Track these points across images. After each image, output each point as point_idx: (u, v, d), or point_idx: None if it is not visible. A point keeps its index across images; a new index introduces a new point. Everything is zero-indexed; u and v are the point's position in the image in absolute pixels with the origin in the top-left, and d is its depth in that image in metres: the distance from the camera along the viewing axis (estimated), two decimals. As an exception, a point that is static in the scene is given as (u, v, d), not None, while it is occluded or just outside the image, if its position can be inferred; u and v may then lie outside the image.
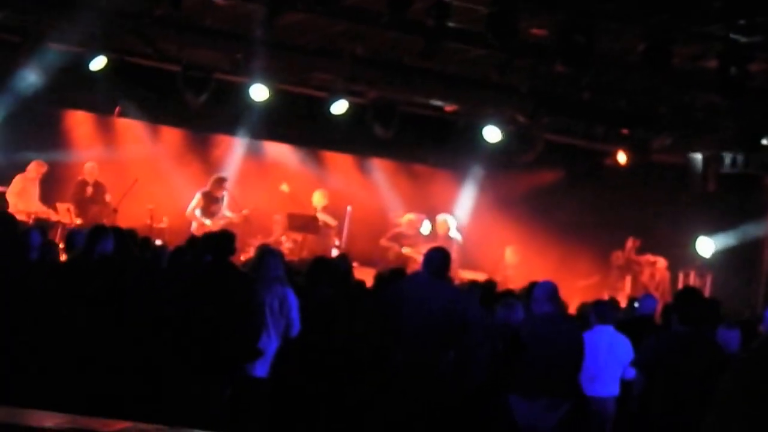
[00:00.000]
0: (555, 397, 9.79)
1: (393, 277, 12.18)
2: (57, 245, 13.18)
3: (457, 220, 19.98)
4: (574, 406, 9.98)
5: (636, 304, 13.25)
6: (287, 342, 9.94)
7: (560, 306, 10.80)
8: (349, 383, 10.19)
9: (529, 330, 9.86)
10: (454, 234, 19.31)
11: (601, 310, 11.08)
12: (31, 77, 17.11)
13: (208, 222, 18.11)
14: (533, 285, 11.91)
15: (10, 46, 16.90)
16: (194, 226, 18.14)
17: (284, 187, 19.40)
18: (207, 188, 18.60)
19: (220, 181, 18.68)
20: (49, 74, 17.05)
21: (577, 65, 14.68)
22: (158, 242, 15.55)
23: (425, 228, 19.71)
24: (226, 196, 18.71)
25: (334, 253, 17.81)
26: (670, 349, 9.47)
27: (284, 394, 9.85)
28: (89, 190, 18.48)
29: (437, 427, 9.59)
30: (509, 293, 12.42)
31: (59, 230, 17.28)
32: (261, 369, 9.76)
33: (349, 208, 19.29)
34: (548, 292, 10.10)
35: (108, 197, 18.45)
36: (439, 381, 9.66)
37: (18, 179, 17.84)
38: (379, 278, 12.85)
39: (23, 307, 9.01)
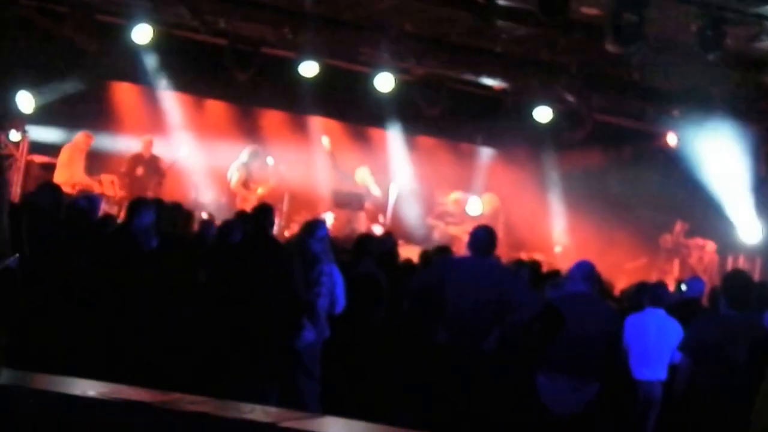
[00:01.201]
0: (581, 378, 9.62)
1: (438, 255, 12.07)
2: (112, 217, 13.23)
3: (503, 199, 19.86)
4: (606, 389, 9.81)
5: (683, 287, 13.07)
6: (331, 319, 9.88)
7: (597, 286, 10.61)
8: (393, 361, 10.13)
9: (561, 309, 9.71)
10: (498, 213, 19.20)
11: (654, 293, 10.90)
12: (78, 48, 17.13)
13: (260, 191, 18.16)
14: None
15: (58, 17, 16.89)
16: (238, 199, 18.17)
17: (325, 142, 19.28)
18: (244, 160, 18.63)
19: (255, 153, 18.71)
20: (96, 46, 17.06)
21: (627, 44, 14.47)
22: (204, 215, 15.55)
23: (472, 207, 19.60)
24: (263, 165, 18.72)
25: (379, 230, 17.73)
26: (717, 333, 9.33)
27: (328, 371, 9.80)
28: (144, 163, 18.48)
29: (480, 406, 9.50)
30: (557, 273, 12.30)
31: (103, 202, 17.31)
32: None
33: (394, 185, 19.21)
34: (584, 271, 9.96)
35: (161, 171, 18.45)
36: (483, 360, 9.56)
37: (65, 149, 17.89)
38: (423, 256, 12.75)
39: (72, 278, 9.01)
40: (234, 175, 18.56)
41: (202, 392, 4.42)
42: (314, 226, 10.23)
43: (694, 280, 12.86)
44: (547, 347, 9.55)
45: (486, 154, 21.34)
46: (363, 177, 19.28)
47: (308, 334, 9.52)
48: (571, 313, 9.58)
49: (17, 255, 1.40)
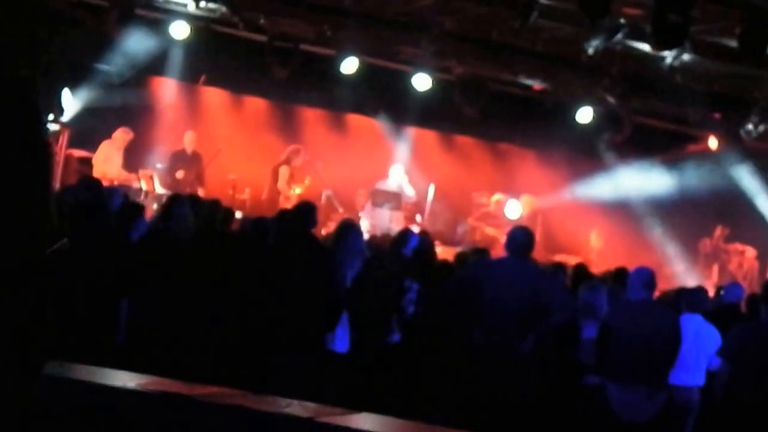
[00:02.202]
0: (652, 386, 9.53)
1: (475, 256, 12.00)
2: (141, 208, 13.22)
3: (542, 201, 19.76)
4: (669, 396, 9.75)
5: (722, 293, 12.95)
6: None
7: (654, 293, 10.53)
8: (428, 362, 10.08)
9: (624, 317, 9.60)
10: (537, 215, 19.12)
11: (692, 298, 10.79)
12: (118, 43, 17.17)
13: (297, 191, 18.17)
14: (621, 270, 11.70)
15: (99, 12, 16.93)
16: (282, 198, 18.18)
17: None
18: (288, 159, 18.66)
19: (296, 152, 18.73)
20: (136, 41, 17.08)
21: (670, 46, 14.36)
22: (238, 214, 15.51)
23: (510, 209, 19.52)
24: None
25: (416, 230, 17.66)
26: (757, 340, 9.26)
27: (363, 369, 9.77)
28: (184, 160, 18.49)
29: (515, 410, 9.43)
30: (591, 276, 12.20)
31: (141, 197, 17.34)
32: (341, 344, 9.65)
33: (432, 185, 19.15)
34: (645, 278, 9.85)
35: (201, 168, 18.46)
36: (518, 363, 9.49)
37: (104, 146, 17.91)
38: (460, 257, 12.68)
39: (107, 271, 9.01)
40: (281, 174, 18.58)
41: (238, 387, 4.39)
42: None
43: (733, 286, 12.74)
44: (615, 357, 9.42)
45: (525, 155, 21.23)
46: (397, 176, 19.21)
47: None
48: (639, 321, 9.47)
49: (66, 240, 1.39)
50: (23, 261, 1.43)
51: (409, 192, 19.09)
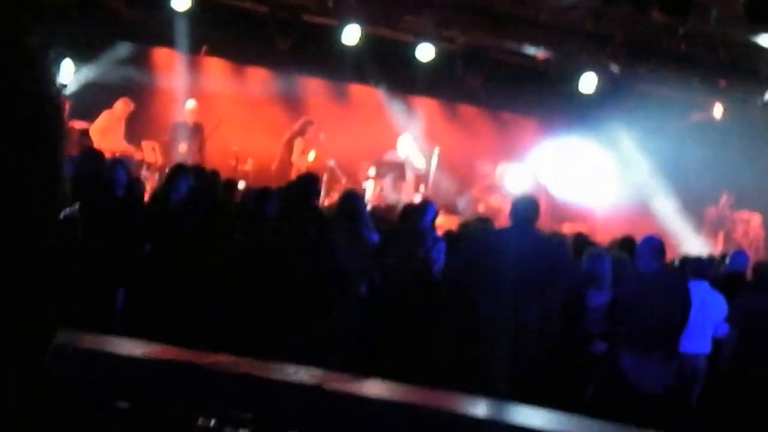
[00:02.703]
0: (665, 355, 9.53)
1: (479, 226, 11.96)
2: (142, 183, 13.19)
3: (547, 171, 19.72)
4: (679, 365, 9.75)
5: (727, 261, 12.90)
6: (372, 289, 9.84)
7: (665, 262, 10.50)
8: (434, 332, 10.06)
9: (636, 290, 9.58)
10: (543, 184, 19.08)
11: (697, 265, 10.76)
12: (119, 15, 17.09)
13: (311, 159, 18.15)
14: (627, 238, 11.66)
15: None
16: (294, 170, 18.13)
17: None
18: (299, 131, 18.60)
19: (309, 123, 18.66)
20: (136, 11, 17.01)
21: (675, 14, 14.26)
22: (241, 184, 15.46)
23: (515, 178, 19.48)
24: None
25: (418, 199, 17.62)
26: (764, 307, 9.22)
27: (369, 340, 9.74)
28: (187, 130, 18.40)
29: (523, 380, 9.40)
30: (593, 244, 12.15)
31: (144, 169, 17.30)
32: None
33: (435, 154, 19.09)
34: (655, 247, 9.81)
35: (203, 138, 18.40)
36: (525, 332, 9.45)
37: (104, 116, 17.79)
38: (463, 227, 12.63)
39: (110, 244, 8.97)
40: (296, 146, 18.53)
41: (245, 354, 4.35)
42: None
43: (737, 254, 12.68)
44: (628, 326, 9.41)
45: (529, 124, 21.16)
46: (406, 145, 19.15)
47: None
48: (649, 293, 9.44)
49: (77, 204, 1.34)
50: (25, 257, 1.37)
51: (419, 163, 19.02)
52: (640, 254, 9.87)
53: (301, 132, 18.72)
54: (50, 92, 1.48)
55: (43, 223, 1.38)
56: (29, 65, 1.47)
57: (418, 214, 10.86)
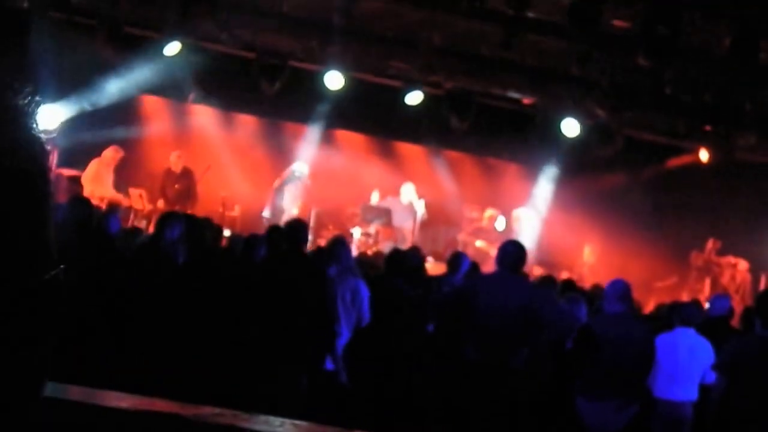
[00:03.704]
0: (624, 398, 9.56)
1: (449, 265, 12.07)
2: (136, 231, 13.18)
3: (534, 216, 19.72)
4: (642, 408, 9.75)
5: (707, 305, 12.89)
6: (357, 333, 9.81)
7: (632, 306, 10.54)
8: (420, 377, 10.03)
9: (598, 329, 9.61)
10: (529, 229, 19.08)
11: (685, 312, 10.76)
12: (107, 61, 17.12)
13: (293, 211, 18.08)
14: (597, 286, 11.73)
15: (86, 30, 16.89)
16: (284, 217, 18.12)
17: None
18: (288, 178, 18.60)
19: (296, 171, 18.70)
20: (124, 58, 17.05)
21: (660, 58, 14.35)
22: (227, 232, 15.44)
23: (500, 223, 19.49)
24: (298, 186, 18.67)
25: (406, 245, 17.62)
26: (752, 354, 9.21)
27: (355, 386, 9.70)
28: (174, 179, 18.36)
29: (508, 424, 9.37)
30: (573, 288, 12.18)
31: (132, 216, 17.28)
32: (329, 362, 9.62)
33: (421, 201, 19.11)
34: (619, 290, 9.86)
35: (191, 186, 18.35)
36: (511, 378, 9.43)
37: (93, 164, 17.82)
38: (452, 263, 12.66)
39: (102, 292, 8.94)
40: (286, 192, 18.53)
41: (229, 405, 4.33)
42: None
43: (717, 299, 12.66)
44: (586, 369, 9.44)
45: (515, 169, 21.19)
46: (408, 194, 19.17)
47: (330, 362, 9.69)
48: (613, 334, 9.46)
49: (63, 266, 1.32)
50: (9, 319, 1.34)
51: (420, 210, 19.04)
52: (605, 297, 9.93)
53: (290, 179, 18.71)
54: (35, 151, 1.45)
55: (27, 285, 1.36)
56: (12, 125, 1.45)
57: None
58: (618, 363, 9.41)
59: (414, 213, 18.99)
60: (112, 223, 10.13)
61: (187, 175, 18.42)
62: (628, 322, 9.84)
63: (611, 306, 9.77)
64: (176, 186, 18.23)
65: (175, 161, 18.46)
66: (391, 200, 19.08)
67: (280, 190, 18.55)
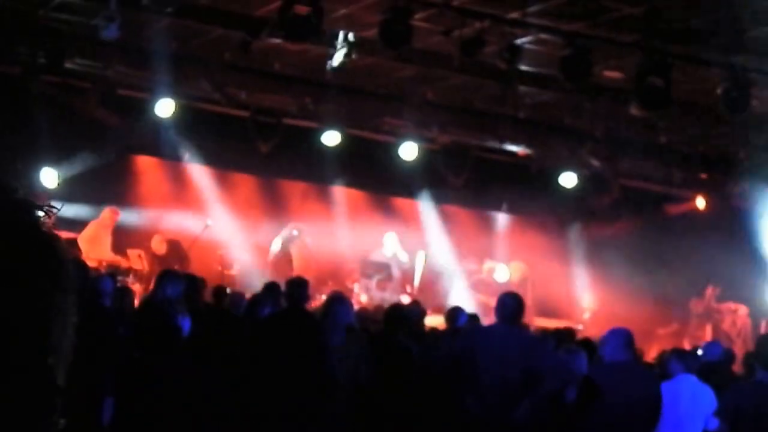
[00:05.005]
0: None
1: (467, 323, 12.00)
2: (131, 291, 13.18)
3: (531, 266, 19.72)
4: None
5: (700, 352, 12.88)
6: (359, 389, 9.78)
7: (635, 354, 10.50)
8: (421, 429, 9.98)
9: (603, 379, 9.55)
10: (527, 281, 19.08)
11: (686, 359, 10.74)
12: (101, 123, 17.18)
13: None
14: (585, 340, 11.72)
15: (80, 93, 16.96)
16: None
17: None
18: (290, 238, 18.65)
19: (296, 230, 18.74)
20: (118, 119, 17.11)
21: (653, 108, 14.40)
22: (227, 290, 15.44)
23: (499, 274, 19.48)
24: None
25: (406, 300, 17.60)
26: (754, 399, 9.17)
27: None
28: (162, 260, 18.20)
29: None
30: (572, 339, 12.17)
31: (131, 277, 17.24)
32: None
33: (421, 254, 19.11)
34: (623, 339, 9.80)
35: (184, 252, 18.31)
36: (513, 428, 9.39)
37: (91, 225, 17.79)
38: (450, 316, 12.67)
39: (97, 353, 8.91)
40: (293, 253, 18.60)
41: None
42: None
43: (710, 345, 12.68)
44: (588, 417, 9.38)
45: (513, 221, 21.21)
46: (391, 243, 19.19)
47: None
48: (617, 383, 9.39)
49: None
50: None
51: (403, 258, 19.07)
52: (611, 345, 9.85)
53: (291, 239, 18.74)
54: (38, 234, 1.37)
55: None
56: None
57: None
58: (623, 413, 9.34)
59: (399, 263, 19.00)
60: (105, 283, 10.11)
61: (173, 251, 18.31)
62: (634, 371, 9.78)
63: (616, 354, 9.70)
64: (167, 249, 18.15)
65: (157, 245, 18.32)
66: (375, 253, 19.11)
67: (279, 250, 18.61)
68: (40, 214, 1.33)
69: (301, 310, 9.82)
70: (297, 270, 17.39)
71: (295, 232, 18.64)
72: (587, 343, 11.71)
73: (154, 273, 16.84)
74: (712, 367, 11.46)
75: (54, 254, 1.32)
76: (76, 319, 1.36)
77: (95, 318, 9.30)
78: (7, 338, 1.24)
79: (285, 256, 18.65)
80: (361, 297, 18.09)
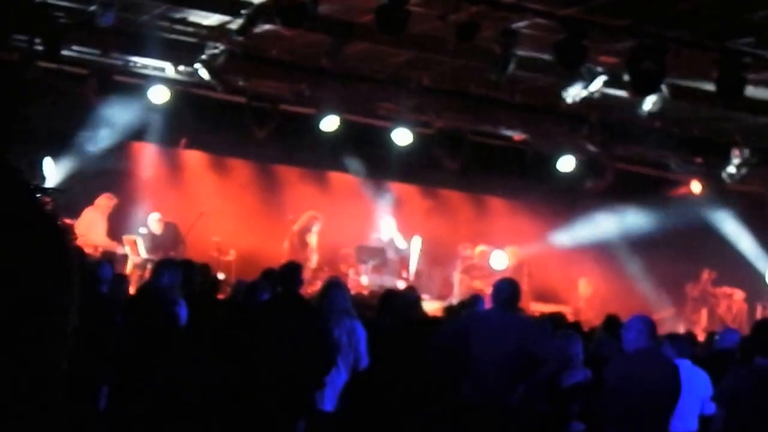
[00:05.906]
0: None
1: (463, 309, 11.99)
2: (127, 278, 13.18)
3: (528, 251, 19.74)
4: None
5: (716, 338, 12.87)
6: (356, 375, 9.78)
7: (657, 342, 10.39)
8: (416, 417, 9.99)
9: (626, 365, 9.50)
10: (523, 265, 19.09)
11: (677, 344, 10.73)
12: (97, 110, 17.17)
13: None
14: (611, 317, 11.65)
15: (77, 79, 16.94)
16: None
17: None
18: (306, 227, 18.68)
19: (314, 218, 18.76)
20: (115, 106, 17.10)
21: (647, 92, 14.40)
22: (221, 276, 15.45)
23: (496, 260, 19.49)
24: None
25: (402, 285, 17.62)
26: (751, 384, 9.18)
27: (352, 428, 9.66)
28: (159, 240, 18.23)
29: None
30: (564, 323, 12.18)
31: (126, 263, 17.24)
32: (329, 403, 9.59)
33: (417, 240, 19.12)
34: (647, 326, 9.72)
35: (180, 236, 18.31)
36: (508, 415, 9.41)
37: (87, 212, 17.78)
38: (448, 311, 12.66)
39: (94, 341, 8.92)
40: (310, 241, 18.62)
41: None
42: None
43: (727, 332, 12.64)
44: (613, 407, 9.33)
45: (508, 206, 21.22)
46: (388, 228, 19.21)
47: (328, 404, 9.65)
48: (640, 370, 9.35)
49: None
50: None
51: (401, 244, 19.09)
52: (630, 331, 9.75)
53: (307, 228, 18.75)
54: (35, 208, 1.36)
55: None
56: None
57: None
58: (646, 398, 9.29)
59: (396, 248, 19.03)
60: (104, 270, 10.12)
61: (169, 233, 18.32)
62: (658, 359, 9.71)
63: (640, 341, 9.58)
64: (164, 241, 18.15)
65: (154, 223, 18.35)
66: (372, 237, 19.14)
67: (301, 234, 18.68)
68: (46, 198, 1.33)
69: (295, 295, 9.84)
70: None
71: (316, 226, 18.71)
72: (578, 328, 11.75)
73: (150, 254, 16.96)
74: (722, 353, 11.45)
75: (58, 238, 1.33)
76: (79, 303, 1.36)
77: (93, 305, 9.32)
78: (12, 320, 1.25)
79: (302, 245, 18.67)
80: (362, 279, 18.16)
